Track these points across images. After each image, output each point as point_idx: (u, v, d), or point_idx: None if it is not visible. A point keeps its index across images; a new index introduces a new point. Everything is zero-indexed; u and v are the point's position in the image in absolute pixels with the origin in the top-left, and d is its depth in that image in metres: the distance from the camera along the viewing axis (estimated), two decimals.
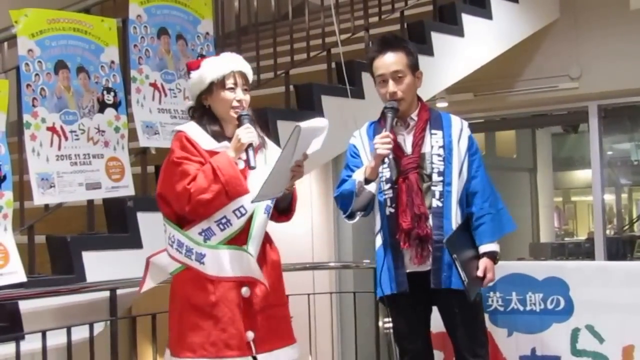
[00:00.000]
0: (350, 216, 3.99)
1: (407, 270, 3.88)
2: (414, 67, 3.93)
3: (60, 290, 4.08)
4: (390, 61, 3.89)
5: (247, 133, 3.47)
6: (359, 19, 6.12)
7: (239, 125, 3.52)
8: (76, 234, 4.36)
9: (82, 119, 4.31)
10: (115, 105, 4.47)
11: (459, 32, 6.46)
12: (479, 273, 3.87)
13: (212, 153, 3.49)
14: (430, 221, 3.83)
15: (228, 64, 3.61)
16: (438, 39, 6.39)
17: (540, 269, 4.64)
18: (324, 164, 8.10)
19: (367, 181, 3.82)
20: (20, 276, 3.93)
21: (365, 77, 5.78)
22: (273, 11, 5.81)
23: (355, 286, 7.57)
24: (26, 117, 4.09)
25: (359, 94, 5.74)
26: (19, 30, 4.08)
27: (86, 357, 4.19)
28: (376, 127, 4.00)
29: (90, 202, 4.44)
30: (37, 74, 4.13)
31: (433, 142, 3.90)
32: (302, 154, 3.47)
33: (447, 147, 3.89)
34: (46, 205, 4.28)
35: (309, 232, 8.88)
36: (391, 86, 3.87)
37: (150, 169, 4.77)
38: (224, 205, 3.47)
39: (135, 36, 4.62)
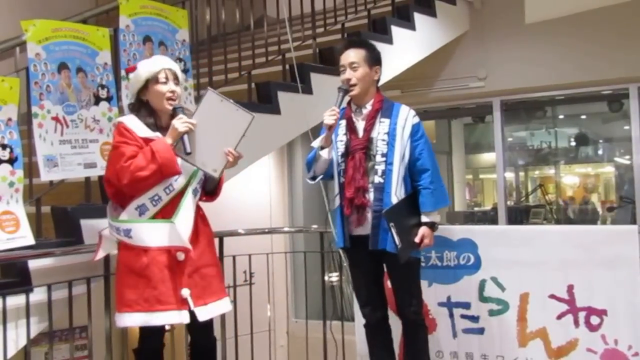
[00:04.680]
0: (313, 178, 4.04)
1: (353, 233, 3.89)
2: (371, 62, 3.91)
3: (62, 251, 4.06)
4: (349, 54, 3.91)
5: (182, 123, 3.44)
6: (308, 30, 6.13)
7: (173, 116, 3.50)
8: (75, 204, 4.33)
9: (80, 110, 4.26)
10: (108, 99, 4.42)
11: (389, 41, 6.48)
12: (416, 239, 3.83)
13: (147, 140, 3.48)
14: (372, 194, 3.82)
15: (159, 62, 3.62)
16: None
17: (455, 232, 4.62)
18: (279, 147, 8.10)
19: (322, 148, 3.89)
20: (29, 240, 3.89)
21: (314, 77, 5.81)
22: (238, 23, 5.82)
23: (306, 247, 7.60)
24: (34, 109, 4.04)
25: (308, 90, 5.75)
26: (29, 37, 4.03)
27: (84, 306, 4.20)
28: (344, 110, 4.01)
29: (87, 178, 4.40)
30: (43, 74, 4.08)
31: (380, 128, 3.86)
32: (234, 144, 3.46)
33: (391, 134, 3.84)
34: (51, 181, 4.24)
35: (267, 203, 8.89)
36: (347, 73, 3.89)
37: None
38: (158, 183, 3.46)
39: (125, 42, 4.57)
